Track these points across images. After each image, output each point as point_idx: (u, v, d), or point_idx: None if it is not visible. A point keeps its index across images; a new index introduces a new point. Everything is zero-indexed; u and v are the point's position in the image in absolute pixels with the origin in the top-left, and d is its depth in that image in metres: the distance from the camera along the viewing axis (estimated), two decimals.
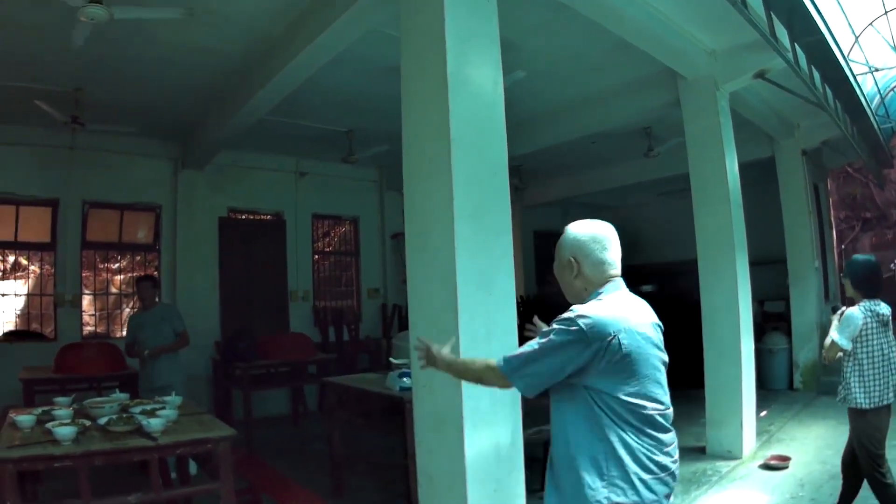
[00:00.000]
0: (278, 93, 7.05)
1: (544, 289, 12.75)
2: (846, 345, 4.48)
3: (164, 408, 4.42)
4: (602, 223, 2.58)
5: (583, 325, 2.26)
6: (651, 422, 2.28)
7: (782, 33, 5.87)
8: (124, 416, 4.18)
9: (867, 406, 4.43)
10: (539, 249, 15.80)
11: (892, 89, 13.38)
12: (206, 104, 8.41)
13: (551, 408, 2.45)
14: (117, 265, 10.38)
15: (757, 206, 9.39)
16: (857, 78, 8.25)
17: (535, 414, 7.65)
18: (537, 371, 2.33)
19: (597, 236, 2.53)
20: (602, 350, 2.23)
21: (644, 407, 2.27)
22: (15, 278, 9.40)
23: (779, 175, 10.85)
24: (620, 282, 2.52)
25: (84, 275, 9.78)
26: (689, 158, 7.43)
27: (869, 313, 4.49)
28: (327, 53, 6.08)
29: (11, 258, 9.45)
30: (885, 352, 4.49)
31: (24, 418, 4.05)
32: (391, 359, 6.24)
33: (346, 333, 11.64)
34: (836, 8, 9.91)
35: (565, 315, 2.33)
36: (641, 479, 2.23)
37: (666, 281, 11.91)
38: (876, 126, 10.96)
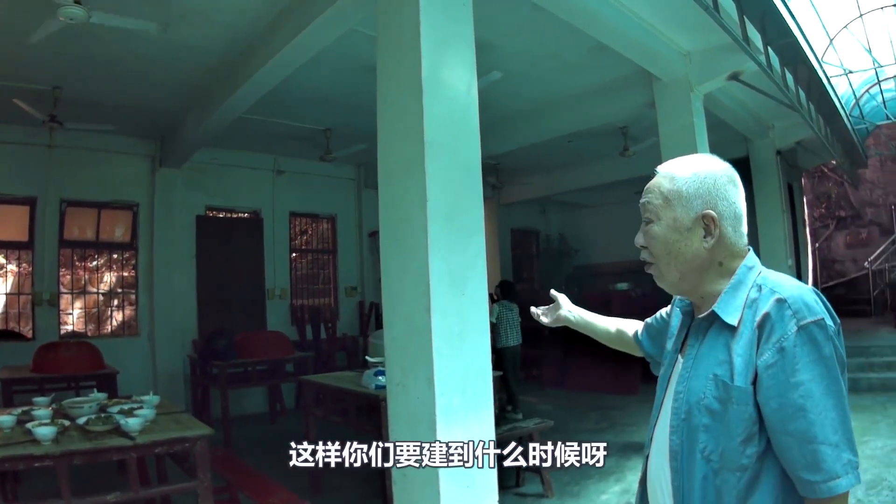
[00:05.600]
0: (257, 91, 7.06)
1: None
2: None
3: (141, 407, 4.44)
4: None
5: (832, 322, 1.42)
6: None
7: (755, 36, 5.96)
8: (103, 415, 4.20)
9: None
10: (516, 247, 15.95)
11: (867, 91, 13.57)
12: (185, 102, 8.40)
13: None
14: (95, 263, 10.34)
15: None
16: (832, 80, 8.36)
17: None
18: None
19: (733, 176, 1.62)
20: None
21: None
22: None
23: (753, 175, 10.91)
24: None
25: (62, 273, 9.75)
26: (663, 158, 7.47)
27: None
28: (306, 52, 6.11)
29: None
30: None
31: (5, 419, 4.05)
32: (367, 357, 6.29)
33: (324, 331, 11.67)
34: (810, 11, 10.04)
35: (809, 318, 1.39)
36: None
37: (641, 279, 12.01)
38: (850, 127, 11.13)
